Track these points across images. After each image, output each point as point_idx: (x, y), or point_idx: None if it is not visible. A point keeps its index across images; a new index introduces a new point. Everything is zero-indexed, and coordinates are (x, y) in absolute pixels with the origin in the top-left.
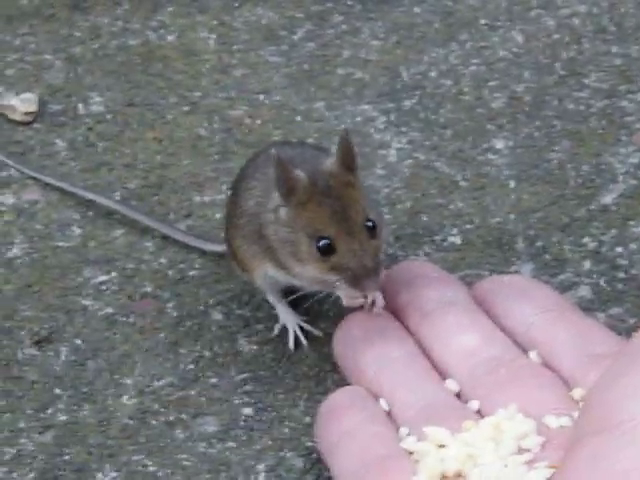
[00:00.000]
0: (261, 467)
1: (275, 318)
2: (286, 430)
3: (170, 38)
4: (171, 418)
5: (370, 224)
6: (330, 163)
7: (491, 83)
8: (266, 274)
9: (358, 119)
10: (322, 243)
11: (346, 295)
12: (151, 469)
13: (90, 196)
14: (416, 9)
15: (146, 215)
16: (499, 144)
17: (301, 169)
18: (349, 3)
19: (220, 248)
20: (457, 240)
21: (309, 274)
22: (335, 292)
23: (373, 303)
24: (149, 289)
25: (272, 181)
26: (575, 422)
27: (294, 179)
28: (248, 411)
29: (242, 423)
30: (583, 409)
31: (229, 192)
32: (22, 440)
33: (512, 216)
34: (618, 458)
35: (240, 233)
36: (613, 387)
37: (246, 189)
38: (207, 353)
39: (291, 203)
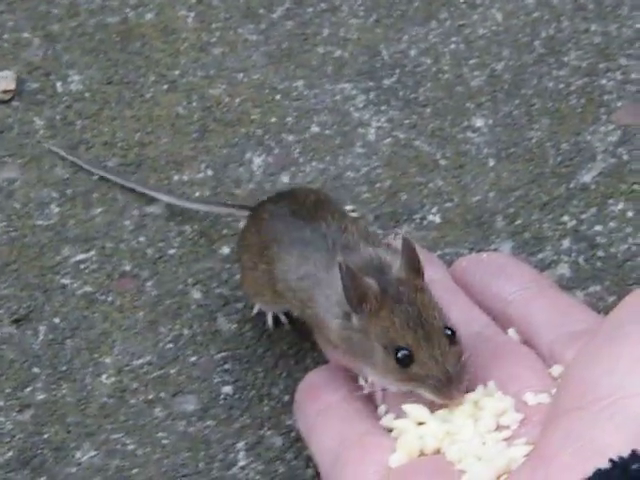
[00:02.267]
0: (240, 445)
1: None
2: (265, 408)
3: (149, 16)
4: (150, 397)
5: (449, 331)
6: (398, 268)
7: (471, 61)
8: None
9: (337, 98)
10: (401, 354)
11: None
12: (130, 447)
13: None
14: None
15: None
16: (478, 122)
17: (369, 275)
18: None
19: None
20: (436, 219)
21: (385, 382)
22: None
23: None
24: (128, 268)
25: (340, 289)
26: (553, 399)
27: (365, 287)
28: (227, 389)
29: (221, 401)
30: (560, 386)
31: (259, 225)
32: (0, 419)
33: (491, 194)
34: (592, 435)
35: (267, 286)
36: (590, 364)
37: (284, 261)
38: (186, 332)
39: (363, 312)
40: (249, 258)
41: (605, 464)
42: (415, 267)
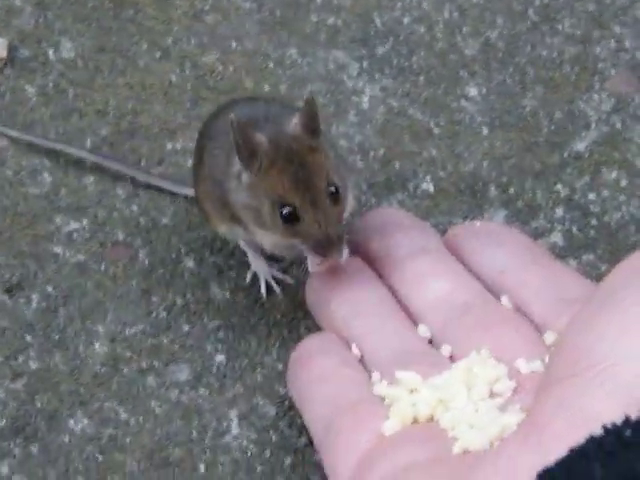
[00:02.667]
0: (233, 414)
1: (248, 265)
2: (258, 377)
3: None
4: (143, 365)
5: (333, 189)
6: (293, 126)
7: (464, 29)
8: (231, 231)
9: (331, 66)
10: (285, 211)
11: (312, 262)
12: (123, 416)
13: (59, 146)
14: None
15: (119, 162)
16: (472, 91)
17: (263, 132)
18: None
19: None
20: (430, 187)
21: (272, 239)
22: (300, 258)
23: None
24: (121, 236)
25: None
26: (546, 366)
27: (255, 143)
28: (220, 358)
29: (214, 370)
30: (553, 353)
31: (197, 140)
32: None
33: (485, 163)
34: (585, 402)
35: (206, 190)
36: (583, 331)
37: (211, 154)
38: (179, 300)
39: (253, 168)
40: (200, 174)
41: (598, 431)
42: (312, 126)
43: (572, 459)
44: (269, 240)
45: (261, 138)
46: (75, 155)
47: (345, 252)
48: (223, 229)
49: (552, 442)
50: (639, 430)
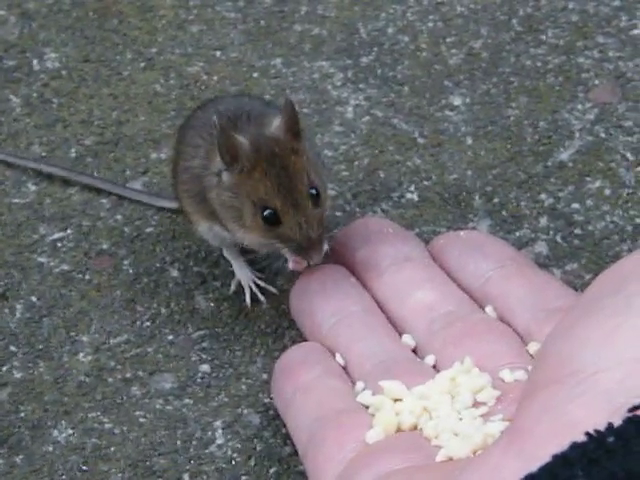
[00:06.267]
0: (218, 424)
1: (232, 275)
2: (243, 387)
3: None
4: (127, 375)
5: (314, 191)
6: (275, 128)
7: (448, 39)
8: (211, 230)
9: (315, 76)
10: (267, 213)
11: (292, 260)
12: (107, 426)
13: (32, 165)
14: None
15: (96, 178)
16: (456, 100)
17: (245, 133)
18: None
19: (174, 204)
20: (414, 197)
21: (251, 238)
22: (280, 253)
23: None
24: (105, 246)
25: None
26: (529, 374)
27: (236, 146)
28: (205, 368)
29: (199, 380)
30: (536, 361)
31: (176, 136)
32: None
33: (469, 173)
34: (568, 409)
35: (184, 188)
36: (566, 338)
37: (191, 146)
38: (164, 310)
39: (234, 170)
40: (179, 167)
41: (581, 438)
42: (293, 128)
43: (555, 465)
44: (248, 239)
45: (243, 140)
46: (53, 172)
47: (325, 247)
48: (203, 228)
49: (535, 448)
50: (622, 437)
